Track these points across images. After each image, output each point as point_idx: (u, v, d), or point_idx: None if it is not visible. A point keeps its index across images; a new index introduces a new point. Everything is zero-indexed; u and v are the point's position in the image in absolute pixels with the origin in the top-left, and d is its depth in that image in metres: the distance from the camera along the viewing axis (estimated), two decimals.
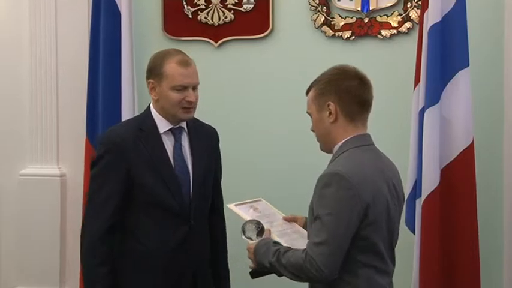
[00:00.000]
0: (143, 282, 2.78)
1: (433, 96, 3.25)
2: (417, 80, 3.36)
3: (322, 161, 2.62)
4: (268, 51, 3.84)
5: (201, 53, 3.88)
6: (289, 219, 2.66)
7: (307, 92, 2.48)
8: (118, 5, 3.74)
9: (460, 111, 3.28)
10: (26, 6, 4.06)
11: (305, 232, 2.56)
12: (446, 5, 3.27)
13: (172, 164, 2.79)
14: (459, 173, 3.28)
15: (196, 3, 3.91)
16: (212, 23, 3.89)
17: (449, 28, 3.27)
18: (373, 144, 2.46)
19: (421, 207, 3.27)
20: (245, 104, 3.89)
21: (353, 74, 2.43)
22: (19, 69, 4.11)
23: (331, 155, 2.48)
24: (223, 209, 3.01)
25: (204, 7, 3.91)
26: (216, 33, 3.90)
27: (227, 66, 3.90)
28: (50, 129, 4.06)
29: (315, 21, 3.75)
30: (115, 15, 3.75)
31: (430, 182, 3.24)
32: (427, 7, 3.29)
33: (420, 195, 3.29)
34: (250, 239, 2.52)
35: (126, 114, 3.63)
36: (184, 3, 3.92)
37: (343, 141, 2.40)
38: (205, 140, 2.92)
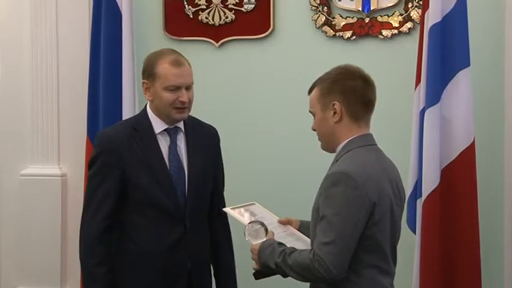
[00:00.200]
0: (139, 282, 2.78)
1: (433, 96, 3.25)
2: (418, 80, 3.36)
3: (323, 161, 2.63)
4: (269, 51, 3.84)
5: (201, 53, 3.90)
6: (284, 222, 2.65)
7: (310, 91, 2.48)
8: (119, 5, 3.74)
9: (461, 111, 3.28)
10: (27, 7, 4.06)
11: (301, 235, 2.56)
12: (447, 5, 3.27)
13: (167, 164, 2.79)
14: (460, 173, 3.28)
15: (197, 3, 3.91)
16: (213, 23, 3.89)
17: (450, 28, 3.27)
18: (376, 145, 2.47)
19: (421, 207, 3.28)
20: (246, 104, 3.89)
21: (358, 74, 2.43)
22: (20, 69, 4.11)
23: (331, 155, 2.48)
24: (222, 206, 2.96)
25: (204, 7, 3.91)
26: (217, 33, 3.90)
27: (228, 66, 3.90)
28: (51, 129, 4.06)
29: (315, 21, 3.75)
30: (116, 15, 3.75)
31: (430, 182, 3.25)
32: (428, 7, 3.29)
33: (421, 195, 3.29)
34: (254, 239, 2.51)
35: (127, 115, 3.63)
36: (185, 3, 3.92)
37: (347, 140, 2.41)
38: (204, 140, 2.90)
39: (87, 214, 2.79)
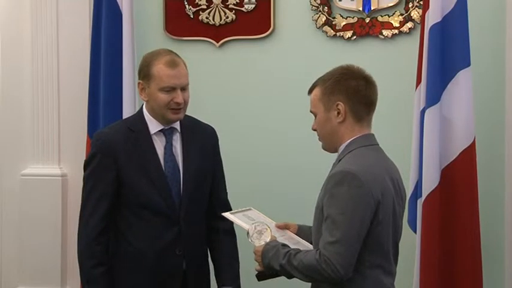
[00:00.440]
0: (134, 282, 2.79)
1: (434, 96, 3.25)
2: (419, 80, 3.36)
3: (323, 161, 2.63)
4: (269, 51, 3.84)
5: (202, 53, 3.90)
6: (282, 227, 2.64)
7: (311, 91, 2.48)
8: (119, 4, 3.74)
9: (461, 111, 3.28)
10: (28, 7, 4.05)
11: (299, 239, 2.56)
12: (447, 5, 3.27)
13: (162, 164, 2.79)
14: (460, 173, 3.28)
15: (197, 3, 3.91)
16: (213, 23, 3.89)
17: (450, 28, 3.27)
18: (378, 144, 2.47)
19: (421, 207, 3.28)
20: (246, 103, 3.88)
21: (360, 74, 2.44)
22: (20, 69, 4.11)
23: (332, 154, 2.48)
24: (226, 210, 2.91)
25: (205, 7, 3.91)
26: (217, 33, 3.90)
27: (228, 66, 3.90)
28: (52, 129, 4.06)
29: (316, 21, 3.75)
30: (116, 15, 3.75)
31: (430, 182, 3.24)
32: (428, 7, 3.29)
33: (421, 195, 3.29)
34: (258, 241, 2.50)
35: (127, 115, 3.61)
36: (186, 3, 3.92)
37: (350, 140, 2.41)
38: (201, 140, 2.89)
39: (84, 215, 2.80)
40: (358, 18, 3.70)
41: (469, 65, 3.28)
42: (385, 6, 3.67)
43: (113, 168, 2.74)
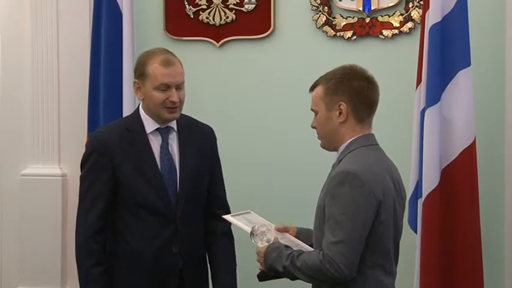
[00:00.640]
0: (132, 282, 2.79)
1: (434, 96, 3.25)
2: (419, 80, 3.36)
3: (323, 161, 2.63)
4: (269, 51, 3.84)
5: (202, 53, 3.90)
6: (281, 230, 2.62)
7: (312, 89, 2.47)
8: (119, 4, 3.74)
9: (461, 111, 3.27)
10: (28, 7, 4.05)
11: (299, 242, 2.55)
12: (447, 5, 3.27)
13: (158, 163, 2.79)
14: (460, 173, 3.28)
15: (197, 3, 3.91)
16: (214, 23, 3.89)
17: (450, 28, 3.26)
18: (378, 144, 2.47)
19: (421, 207, 3.28)
20: (246, 103, 3.88)
21: (363, 75, 2.44)
22: (21, 69, 4.11)
23: (333, 154, 2.48)
24: (227, 212, 2.91)
25: (205, 7, 3.90)
26: (218, 33, 3.90)
27: (228, 66, 3.90)
28: (52, 129, 4.06)
29: (316, 21, 3.75)
30: (116, 15, 3.75)
31: (430, 182, 3.24)
32: (428, 7, 3.29)
33: (421, 195, 3.29)
34: (260, 242, 2.50)
35: (127, 115, 3.63)
36: (186, 3, 3.92)
37: (350, 140, 2.41)
38: (198, 139, 2.89)
39: (80, 215, 2.81)
40: (358, 18, 3.70)
41: (469, 65, 3.28)
42: (385, 6, 3.67)
43: (109, 168, 2.75)
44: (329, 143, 2.47)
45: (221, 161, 3.02)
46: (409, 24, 3.64)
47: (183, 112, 2.86)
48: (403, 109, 3.58)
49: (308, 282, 2.38)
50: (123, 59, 3.71)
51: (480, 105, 3.44)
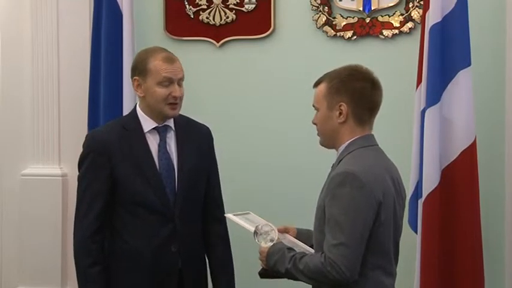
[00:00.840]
0: (131, 282, 2.79)
1: (434, 96, 3.25)
2: (419, 80, 3.36)
3: (323, 161, 2.63)
4: (269, 51, 3.84)
5: (202, 53, 3.90)
6: (281, 230, 2.61)
7: (317, 84, 2.46)
8: (119, 4, 3.74)
9: (462, 111, 3.27)
10: (28, 6, 4.05)
11: (299, 242, 2.56)
12: (447, 5, 3.27)
13: (156, 162, 2.80)
14: (460, 173, 3.28)
15: (198, 3, 3.91)
16: (214, 23, 3.89)
17: (450, 28, 3.26)
18: (377, 145, 2.47)
19: (422, 207, 3.28)
20: (246, 103, 3.88)
21: (367, 76, 2.42)
22: (21, 69, 4.11)
23: (333, 153, 2.48)
24: (222, 212, 2.94)
25: (205, 7, 3.90)
26: (218, 33, 3.90)
27: (229, 66, 3.90)
28: (52, 129, 4.06)
29: (316, 21, 3.75)
30: (116, 15, 3.75)
31: (430, 182, 3.24)
32: (429, 7, 3.29)
33: (422, 196, 3.29)
34: (264, 242, 2.50)
35: None
36: (186, 3, 3.92)
37: (350, 141, 2.41)
38: (196, 139, 2.90)
39: (79, 214, 2.81)
40: (358, 18, 3.70)
41: (469, 65, 3.28)
42: (386, 6, 3.67)
43: (107, 167, 2.75)
44: (328, 141, 2.47)
45: (221, 161, 3.03)
46: (409, 24, 3.64)
47: (181, 112, 2.87)
48: (403, 109, 3.58)
49: (309, 284, 2.38)
50: (123, 59, 3.71)
51: (480, 105, 3.44)
